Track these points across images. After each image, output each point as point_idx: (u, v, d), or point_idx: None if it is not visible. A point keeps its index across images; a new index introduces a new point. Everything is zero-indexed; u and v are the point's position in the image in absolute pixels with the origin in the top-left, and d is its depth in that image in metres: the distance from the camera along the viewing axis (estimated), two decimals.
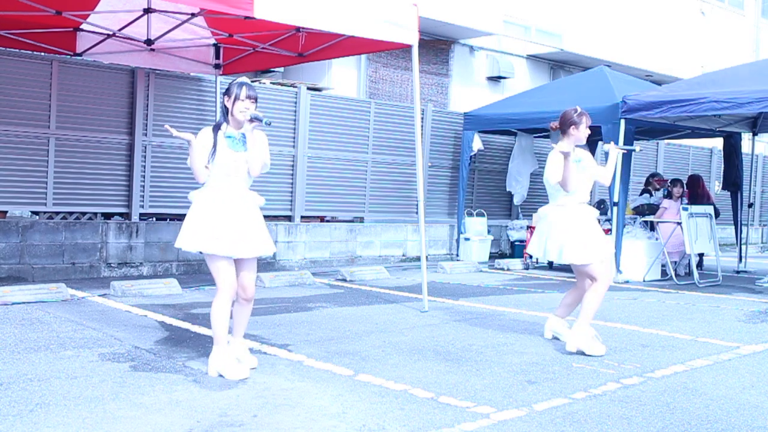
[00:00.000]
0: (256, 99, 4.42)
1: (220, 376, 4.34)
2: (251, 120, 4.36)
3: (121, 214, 9.06)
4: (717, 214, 11.20)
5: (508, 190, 12.88)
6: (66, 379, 4.21)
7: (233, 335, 4.51)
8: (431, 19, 13.45)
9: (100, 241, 8.64)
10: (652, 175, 12.14)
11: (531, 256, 11.29)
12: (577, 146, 5.55)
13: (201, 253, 4.43)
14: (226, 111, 4.46)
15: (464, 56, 15.77)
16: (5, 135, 8.14)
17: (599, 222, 5.99)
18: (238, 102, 4.37)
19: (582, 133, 5.47)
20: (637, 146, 6.28)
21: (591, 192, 5.71)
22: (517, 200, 12.81)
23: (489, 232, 12.22)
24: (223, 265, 4.36)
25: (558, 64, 17.56)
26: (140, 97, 9.03)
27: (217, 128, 4.45)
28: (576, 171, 5.41)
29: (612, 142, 5.96)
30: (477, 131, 11.75)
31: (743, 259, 11.78)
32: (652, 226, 10.67)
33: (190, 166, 4.44)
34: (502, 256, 12.54)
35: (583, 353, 5.28)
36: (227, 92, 4.43)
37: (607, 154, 5.82)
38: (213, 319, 4.42)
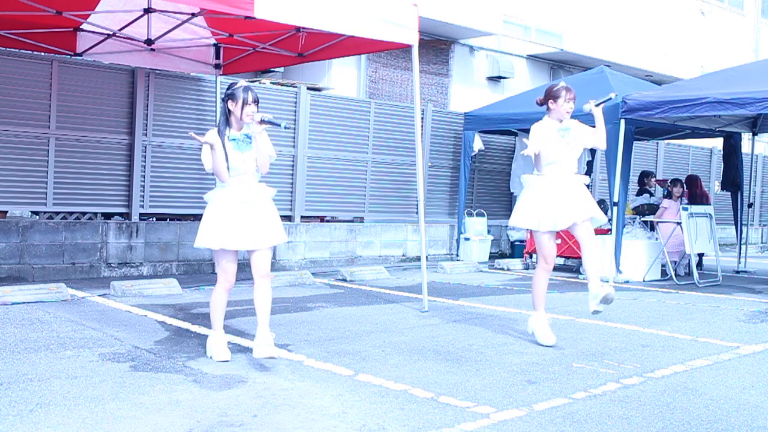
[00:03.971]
0: (258, 101, 4.70)
1: (211, 358, 4.76)
2: (262, 122, 4.62)
3: (121, 214, 9.06)
4: None
5: (511, 191, 12.88)
6: (66, 379, 4.21)
7: (258, 322, 4.63)
8: (431, 19, 13.45)
9: (100, 241, 8.64)
10: (645, 174, 12.12)
11: (531, 256, 11.30)
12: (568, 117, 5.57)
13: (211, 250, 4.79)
14: (228, 114, 4.71)
15: (464, 56, 15.77)
16: (5, 135, 8.14)
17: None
18: (246, 106, 4.62)
19: (561, 107, 5.49)
20: (612, 93, 5.96)
21: (590, 186, 5.67)
22: None
23: (489, 232, 12.21)
24: (224, 258, 4.74)
25: (558, 64, 17.57)
26: (140, 97, 9.03)
27: (221, 132, 4.69)
28: (559, 139, 5.45)
29: (590, 101, 5.74)
30: (477, 131, 11.75)
31: (743, 259, 11.78)
32: (652, 226, 10.67)
33: (210, 170, 4.68)
34: (502, 256, 12.54)
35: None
36: (231, 97, 4.65)
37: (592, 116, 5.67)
38: (210, 306, 4.89)
